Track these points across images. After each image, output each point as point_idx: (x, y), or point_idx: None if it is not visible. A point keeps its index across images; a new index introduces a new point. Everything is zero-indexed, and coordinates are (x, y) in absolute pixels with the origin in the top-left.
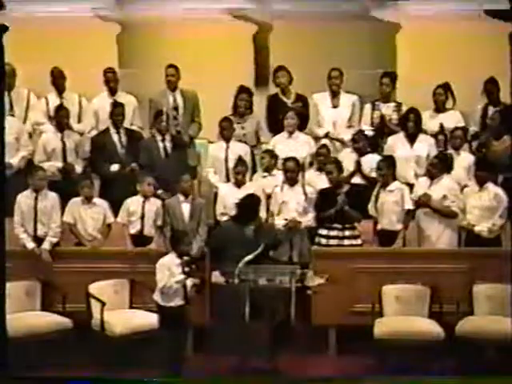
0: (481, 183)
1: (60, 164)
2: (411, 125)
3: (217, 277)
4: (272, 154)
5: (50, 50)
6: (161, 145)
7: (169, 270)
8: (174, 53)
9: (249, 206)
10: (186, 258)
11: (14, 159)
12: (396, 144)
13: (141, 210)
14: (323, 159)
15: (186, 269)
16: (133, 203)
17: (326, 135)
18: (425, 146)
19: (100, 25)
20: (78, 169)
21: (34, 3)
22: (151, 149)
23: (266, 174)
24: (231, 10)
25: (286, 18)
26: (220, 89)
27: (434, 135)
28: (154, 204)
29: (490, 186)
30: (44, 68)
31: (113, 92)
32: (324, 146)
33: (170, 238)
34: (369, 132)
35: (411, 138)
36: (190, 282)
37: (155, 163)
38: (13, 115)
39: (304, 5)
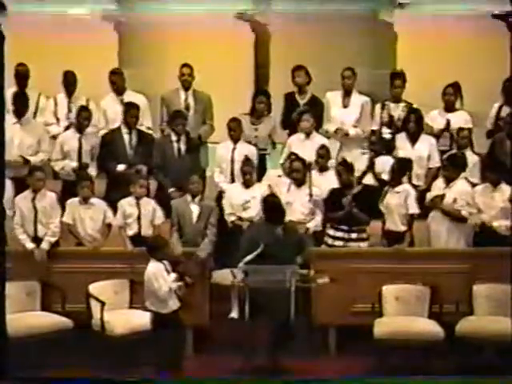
0: (494, 183)
1: (75, 164)
2: (412, 125)
3: (218, 275)
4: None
5: (53, 51)
6: (175, 145)
7: (160, 276)
8: (174, 53)
9: (276, 205)
10: (166, 262)
11: (34, 158)
12: (398, 144)
13: (136, 211)
14: (323, 160)
15: (169, 269)
16: (127, 205)
17: (337, 130)
18: (426, 147)
19: (102, 25)
20: (93, 170)
21: (37, 4)
22: (165, 149)
23: (281, 173)
24: (232, 11)
25: (286, 17)
26: (221, 89)
27: (437, 135)
28: (148, 204)
29: (504, 186)
30: (46, 69)
31: (120, 92)
32: (323, 146)
33: (148, 245)
34: (386, 135)
35: (412, 139)
36: (178, 286)
37: (168, 163)
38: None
39: (305, 5)
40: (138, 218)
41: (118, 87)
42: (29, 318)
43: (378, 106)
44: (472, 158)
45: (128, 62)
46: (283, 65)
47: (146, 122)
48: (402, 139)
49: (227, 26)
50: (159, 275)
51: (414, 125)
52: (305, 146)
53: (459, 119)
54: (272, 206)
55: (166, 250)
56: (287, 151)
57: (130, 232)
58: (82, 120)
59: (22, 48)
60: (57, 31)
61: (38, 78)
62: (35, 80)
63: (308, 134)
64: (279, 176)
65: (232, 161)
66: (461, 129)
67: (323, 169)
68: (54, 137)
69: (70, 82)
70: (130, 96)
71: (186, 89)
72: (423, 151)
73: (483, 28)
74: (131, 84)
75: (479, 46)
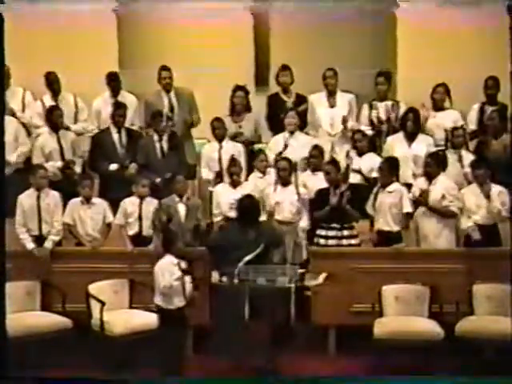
0: (481, 183)
1: (59, 163)
2: (410, 124)
3: (216, 277)
4: (264, 153)
5: (49, 48)
6: (157, 145)
7: (169, 271)
8: (174, 52)
9: (250, 207)
10: (181, 259)
11: (12, 156)
12: (395, 144)
13: (138, 210)
14: (316, 161)
15: (184, 267)
16: (130, 204)
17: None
18: (423, 146)
19: (100, 23)
20: (77, 168)
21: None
22: (149, 149)
23: (261, 174)
24: (232, 9)
25: (287, 16)
26: (221, 88)
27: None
28: (151, 204)
29: (491, 185)
30: (43, 67)
31: (115, 93)
32: (317, 147)
33: (162, 239)
34: (368, 131)
35: (410, 138)
36: (188, 284)
37: (152, 163)
38: (8, 114)
39: (305, 3)
40: (140, 217)
41: (115, 89)
42: (29, 317)
43: (365, 106)
44: (469, 158)
45: (127, 60)
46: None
47: (137, 122)
48: (398, 138)
49: (227, 25)
50: (166, 269)
51: (411, 124)
52: (289, 145)
53: (449, 118)
54: (247, 207)
55: (179, 244)
56: (271, 151)
57: (131, 231)
58: (54, 119)
59: (17, 46)
60: (55, 28)
61: (36, 77)
62: (33, 78)
63: (292, 133)
64: (260, 177)
65: (220, 160)
66: (455, 128)
67: (316, 169)
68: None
69: (52, 82)
70: (122, 96)
71: (168, 91)
72: (420, 150)
73: (483, 27)
74: (130, 83)
75: (479, 45)
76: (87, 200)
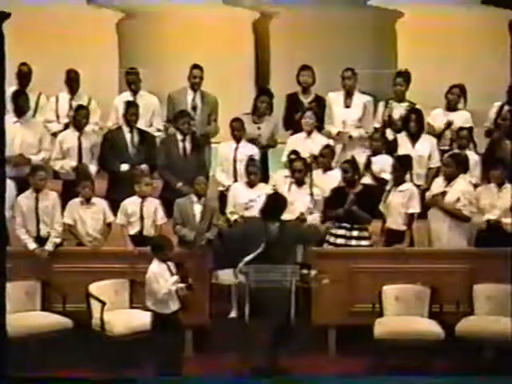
0: (499, 183)
1: (74, 163)
2: (413, 125)
3: (223, 275)
4: (298, 154)
5: (53, 48)
6: (181, 145)
7: (162, 277)
8: (175, 51)
9: (275, 204)
10: (170, 262)
11: (35, 156)
12: (398, 143)
13: (139, 210)
14: (326, 160)
15: (173, 269)
16: (131, 204)
17: (339, 133)
18: (427, 146)
19: (101, 22)
20: (93, 169)
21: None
22: (171, 148)
23: (287, 173)
24: (233, 8)
25: (287, 16)
26: (222, 87)
27: (438, 135)
28: (152, 204)
29: (508, 185)
30: (45, 66)
31: (133, 91)
32: (328, 146)
33: (151, 245)
34: (390, 136)
35: (413, 138)
36: (179, 287)
37: (174, 162)
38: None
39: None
40: (141, 217)
41: (134, 87)
42: (29, 317)
43: (381, 104)
44: (473, 158)
45: (128, 60)
46: (284, 63)
47: (156, 123)
48: (402, 139)
49: (229, 25)
50: (160, 276)
51: (414, 124)
52: (306, 145)
53: (461, 119)
54: (275, 202)
55: (170, 250)
56: (287, 150)
57: (132, 231)
58: (80, 118)
59: (22, 47)
60: (57, 28)
61: (37, 77)
62: (35, 79)
63: (309, 133)
64: (286, 176)
65: (234, 160)
66: (461, 128)
67: (327, 168)
68: (54, 134)
69: (72, 80)
70: (143, 96)
71: (195, 90)
72: (424, 151)
73: (485, 26)
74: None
75: (481, 44)
76: (87, 200)
